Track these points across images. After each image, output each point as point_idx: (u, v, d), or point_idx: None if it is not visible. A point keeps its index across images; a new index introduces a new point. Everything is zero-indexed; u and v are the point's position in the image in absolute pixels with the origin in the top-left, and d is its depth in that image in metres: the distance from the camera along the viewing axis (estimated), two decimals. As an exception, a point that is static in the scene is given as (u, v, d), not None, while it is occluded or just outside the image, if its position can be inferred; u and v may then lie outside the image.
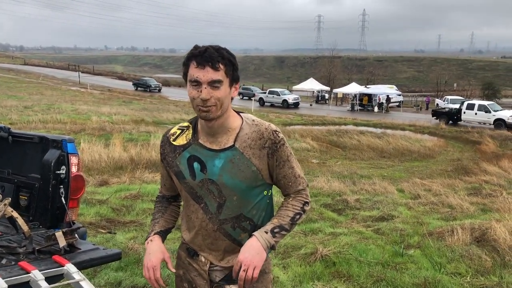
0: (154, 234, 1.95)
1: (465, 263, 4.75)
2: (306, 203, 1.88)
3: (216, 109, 1.70)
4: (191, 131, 1.87)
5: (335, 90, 47.43)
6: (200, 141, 1.83)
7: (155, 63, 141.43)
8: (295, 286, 4.17)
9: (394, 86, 50.03)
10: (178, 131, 1.90)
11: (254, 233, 1.79)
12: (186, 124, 1.92)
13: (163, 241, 1.95)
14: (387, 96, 41.68)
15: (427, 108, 45.33)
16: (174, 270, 1.95)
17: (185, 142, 1.85)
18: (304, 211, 1.87)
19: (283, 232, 1.82)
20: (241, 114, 1.86)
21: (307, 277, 4.34)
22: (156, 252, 1.89)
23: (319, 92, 49.24)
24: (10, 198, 2.68)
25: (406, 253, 5.13)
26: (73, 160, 3.13)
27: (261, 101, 43.29)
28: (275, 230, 1.79)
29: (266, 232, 1.78)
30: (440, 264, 4.75)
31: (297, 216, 1.85)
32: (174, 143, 1.88)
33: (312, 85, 49.98)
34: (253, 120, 1.84)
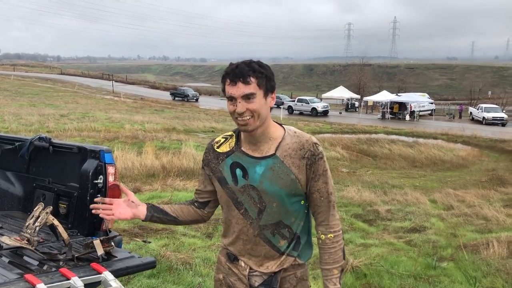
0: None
1: (502, 278, 4.63)
2: (341, 229, 1.93)
3: (253, 120, 1.78)
4: (234, 139, 1.96)
5: (365, 98, 46.96)
6: (242, 148, 1.91)
7: (186, 72, 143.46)
8: (325, 297, 4.15)
9: (426, 94, 49.22)
10: (222, 140, 2.00)
11: None
12: (230, 133, 2.01)
13: (147, 208, 2.02)
14: (401, 103, 41.11)
15: (460, 117, 44.30)
16: (126, 190, 2.02)
17: (229, 149, 1.94)
18: (343, 237, 1.94)
19: (343, 272, 1.92)
20: (283, 125, 1.94)
21: (338, 289, 4.31)
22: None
23: (349, 100, 48.84)
24: (51, 207, 2.80)
25: (439, 265, 5.04)
26: (110, 170, 3.23)
27: (290, 109, 43.24)
28: (341, 281, 1.89)
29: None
30: (475, 278, 4.65)
31: (344, 247, 1.93)
32: (218, 150, 1.97)
33: (341, 93, 49.62)
34: (295, 132, 1.91)
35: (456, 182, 14.85)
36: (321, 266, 1.92)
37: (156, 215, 2.04)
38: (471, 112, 43.08)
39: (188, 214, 2.09)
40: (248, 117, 1.77)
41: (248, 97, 1.76)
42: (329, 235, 1.89)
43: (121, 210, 1.99)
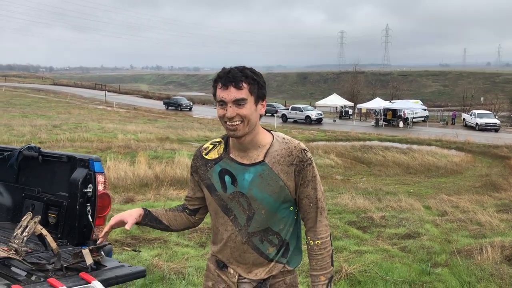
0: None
1: (496, 283, 4.62)
2: (329, 235, 1.92)
3: (243, 126, 1.77)
4: (223, 146, 1.94)
5: (359, 106, 47.15)
6: (231, 155, 1.89)
7: (179, 81, 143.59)
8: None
9: (419, 101, 49.44)
10: (211, 146, 1.98)
11: None
12: (218, 139, 2.00)
13: (143, 214, 2.00)
14: (394, 110, 41.54)
15: (453, 123, 44.57)
16: (128, 228, 1.96)
17: (217, 156, 1.93)
18: (332, 244, 1.93)
19: (332, 280, 1.90)
20: (272, 132, 1.93)
21: (332, 296, 4.28)
22: (126, 212, 1.98)
23: (342, 107, 49.03)
24: (40, 216, 2.76)
25: (433, 271, 5.02)
26: (100, 178, 3.21)
27: (284, 117, 43.35)
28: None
29: None
30: (469, 283, 4.63)
31: (332, 254, 1.92)
32: (206, 157, 1.96)
33: (335, 100, 49.80)
34: (283, 138, 1.90)
35: (450, 188, 14.89)
36: (310, 272, 1.92)
37: (150, 223, 2.03)
38: (464, 118, 43.36)
39: (180, 223, 2.09)
40: (237, 122, 1.76)
41: (239, 102, 1.75)
42: (316, 242, 1.88)
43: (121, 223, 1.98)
